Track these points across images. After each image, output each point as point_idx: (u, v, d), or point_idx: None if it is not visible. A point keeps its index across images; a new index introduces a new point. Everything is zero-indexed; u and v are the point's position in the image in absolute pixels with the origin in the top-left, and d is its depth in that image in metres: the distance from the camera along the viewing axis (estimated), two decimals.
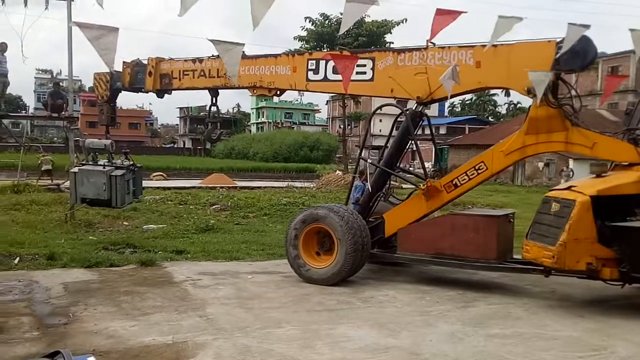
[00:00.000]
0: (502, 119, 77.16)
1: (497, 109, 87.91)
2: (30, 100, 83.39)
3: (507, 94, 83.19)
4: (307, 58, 8.91)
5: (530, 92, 7.39)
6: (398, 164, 9.31)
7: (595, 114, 33.42)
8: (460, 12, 6.96)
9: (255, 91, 9.68)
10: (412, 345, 5.39)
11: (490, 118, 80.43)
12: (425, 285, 7.91)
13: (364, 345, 5.37)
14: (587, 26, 6.63)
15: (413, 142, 8.82)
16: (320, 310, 6.59)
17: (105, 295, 6.99)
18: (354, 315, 6.38)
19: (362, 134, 72.51)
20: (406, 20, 35.13)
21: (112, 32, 5.65)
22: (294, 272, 8.08)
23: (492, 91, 69.71)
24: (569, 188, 7.31)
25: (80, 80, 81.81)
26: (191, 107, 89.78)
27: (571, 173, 28.05)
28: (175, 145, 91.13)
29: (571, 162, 31.98)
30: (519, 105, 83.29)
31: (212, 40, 6.51)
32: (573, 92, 7.69)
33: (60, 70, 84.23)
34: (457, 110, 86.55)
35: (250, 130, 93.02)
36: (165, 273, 8.37)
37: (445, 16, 6.89)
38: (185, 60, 9.81)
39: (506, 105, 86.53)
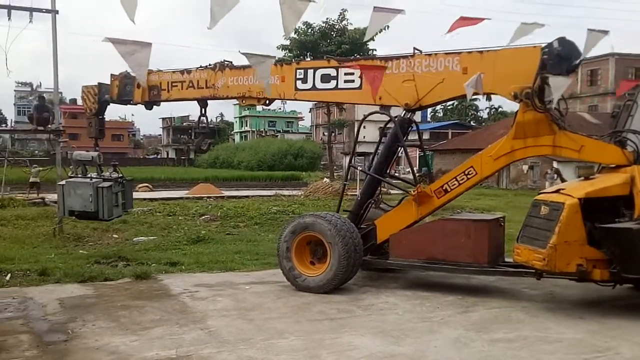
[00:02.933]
0: (484, 124, 77.94)
1: (478, 114, 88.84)
2: (9, 114, 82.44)
3: (489, 99, 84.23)
4: (296, 67, 8.96)
5: (516, 97, 7.53)
6: (388, 171, 9.41)
7: (576, 117, 33.98)
8: (482, 19, 7.12)
9: (244, 101, 9.71)
10: (417, 352, 5.43)
11: (472, 122, 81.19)
12: (424, 291, 7.96)
13: (370, 353, 5.40)
14: (606, 32, 6.80)
15: (402, 148, 8.92)
16: (322, 319, 6.61)
17: (103, 310, 6.94)
18: (356, 324, 6.40)
19: (351, 141, 72.61)
20: (388, 27, 35.23)
21: (145, 48, 5.70)
22: (291, 284, 8.10)
23: (474, 96, 70.29)
24: (558, 191, 7.44)
25: (61, 93, 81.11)
26: (174, 117, 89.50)
27: (555, 175, 28.44)
28: (159, 156, 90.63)
29: (555, 165, 32.43)
30: (500, 109, 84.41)
31: (244, 54, 6.60)
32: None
33: (40, 83, 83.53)
34: (439, 115, 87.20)
35: (233, 140, 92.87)
36: (162, 286, 8.32)
37: (466, 21, 7.04)
38: (174, 72, 9.80)
39: (487, 110, 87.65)
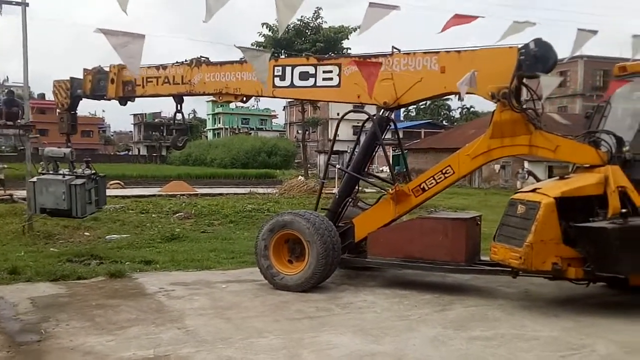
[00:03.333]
0: (455, 123, 78.88)
1: (451, 113, 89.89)
2: None
3: (460, 99, 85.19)
4: (274, 64, 8.89)
5: (494, 97, 7.59)
6: (365, 169, 9.43)
7: (547, 118, 34.46)
8: (476, 17, 7.14)
9: (220, 98, 9.62)
10: (397, 351, 5.44)
11: (444, 122, 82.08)
12: (401, 290, 7.98)
13: (350, 352, 5.39)
14: (594, 32, 6.88)
15: (381, 147, 8.94)
16: (301, 318, 6.57)
17: (77, 309, 6.78)
18: (335, 322, 6.39)
19: (325, 139, 72.56)
20: None
21: (138, 39, 5.55)
22: (269, 282, 8.05)
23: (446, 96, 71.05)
24: (534, 190, 7.53)
25: (29, 87, 79.17)
26: (145, 113, 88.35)
27: (526, 175, 28.90)
28: (130, 153, 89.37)
29: (526, 164, 32.96)
30: (472, 109, 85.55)
31: (240, 47, 6.50)
32: (535, 97, 7.93)
33: (7, 77, 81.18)
34: (412, 114, 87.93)
35: (206, 137, 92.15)
36: (137, 284, 8.18)
37: (461, 19, 7.04)
38: (149, 67, 9.65)
39: (459, 110, 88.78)
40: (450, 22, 7.18)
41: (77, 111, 10.66)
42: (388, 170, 17.70)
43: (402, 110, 78.79)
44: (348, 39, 35.38)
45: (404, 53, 8.22)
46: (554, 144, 7.55)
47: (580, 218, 6.95)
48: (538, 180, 8.47)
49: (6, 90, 20.77)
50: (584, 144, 7.62)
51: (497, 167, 35.74)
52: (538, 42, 7.39)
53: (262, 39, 35.16)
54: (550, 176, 19.44)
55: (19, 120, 13.57)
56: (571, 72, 49.09)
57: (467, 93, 8.29)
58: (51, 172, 9.71)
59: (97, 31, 5.72)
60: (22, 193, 14.71)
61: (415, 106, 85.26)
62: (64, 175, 9.53)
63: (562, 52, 7.50)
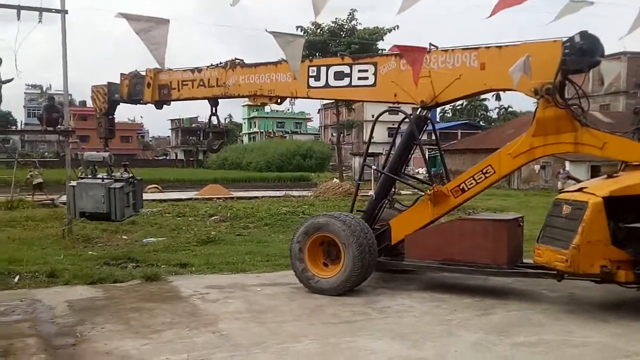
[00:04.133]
0: (493, 124, 77.60)
1: (488, 114, 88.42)
2: (20, 116, 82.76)
3: (498, 98, 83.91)
4: (308, 65, 8.81)
5: (537, 93, 7.30)
6: (403, 170, 9.23)
7: (588, 116, 33.51)
8: None
9: (255, 100, 9.60)
10: (438, 357, 5.23)
11: (481, 122, 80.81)
12: (440, 293, 7.75)
13: (388, 358, 5.20)
14: (590, 2, 6.50)
15: (418, 147, 8.73)
16: (337, 322, 6.41)
17: (112, 312, 6.78)
18: (372, 327, 6.20)
19: (360, 141, 72.27)
20: (398, 27, 35.22)
21: (162, 25, 5.39)
22: (304, 286, 7.92)
23: (483, 96, 69.99)
24: (580, 190, 7.21)
25: (70, 95, 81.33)
26: (183, 118, 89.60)
27: (567, 175, 28.04)
28: (168, 157, 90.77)
29: (567, 165, 32.07)
30: (510, 109, 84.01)
31: (272, 33, 6.32)
32: (581, 92, 7.61)
33: (50, 85, 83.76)
34: (448, 115, 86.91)
35: (242, 141, 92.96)
36: (172, 288, 8.16)
37: (510, 1, 6.70)
38: (184, 71, 9.74)
39: (497, 110, 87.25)
40: (499, 5, 6.79)
41: (114, 116, 10.78)
42: (425, 172, 17.47)
43: (438, 111, 78.10)
44: (383, 40, 35.10)
45: (442, 50, 8.01)
46: (602, 141, 7.22)
47: (630, 218, 6.64)
48: (578, 181, 8.13)
49: (47, 97, 21.27)
50: (633, 141, 7.27)
51: (537, 167, 34.87)
52: (584, 34, 7.09)
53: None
54: (593, 176, 18.83)
55: (59, 126, 13.84)
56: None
57: (509, 90, 8.02)
58: (90, 176, 9.80)
59: (118, 16, 5.55)
60: (63, 198, 14.95)
61: (451, 107, 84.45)
62: (102, 179, 9.62)
63: (610, 44, 7.14)
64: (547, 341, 5.71)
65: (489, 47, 7.72)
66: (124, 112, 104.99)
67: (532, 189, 34.92)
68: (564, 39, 7.18)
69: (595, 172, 28.69)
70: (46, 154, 64.11)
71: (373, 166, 10.21)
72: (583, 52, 7.07)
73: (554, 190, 29.79)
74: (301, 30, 35.05)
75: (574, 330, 6.08)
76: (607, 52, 7.47)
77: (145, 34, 5.23)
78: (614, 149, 7.24)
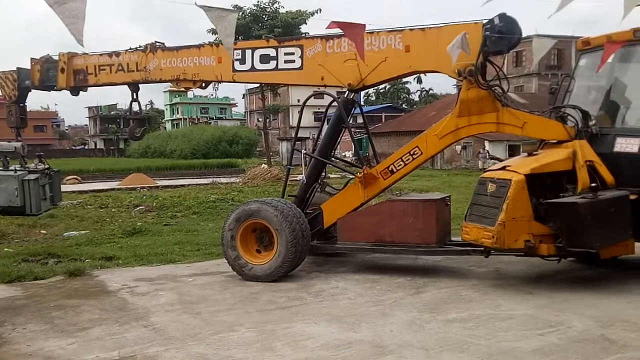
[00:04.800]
0: (415, 106, 79.52)
1: (410, 96, 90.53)
2: None
3: (419, 81, 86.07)
4: (233, 48, 8.59)
5: (460, 75, 7.46)
6: (332, 153, 9.26)
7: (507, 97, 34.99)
8: None
9: (178, 84, 9.29)
10: (375, 338, 5.27)
11: (404, 105, 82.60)
12: (373, 274, 7.83)
13: (325, 342, 5.19)
14: None
15: (347, 130, 8.76)
16: (272, 308, 6.34)
17: (34, 312, 6.39)
18: (308, 311, 6.18)
19: (286, 126, 71.98)
20: (320, 10, 35.19)
21: None
22: (237, 274, 7.80)
23: (405, 79, 71.39)
24: (503, 168, 7.47)
25: None
26: (101, 106, 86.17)
27: (487, 154, 29.24)
28: (86, 147, 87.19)
29: (487, 145, 33.38)
30: (431, 92, 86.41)
31: (202, 7, 5.99)
32: (500, 74, 7.85)
33: None
34: (372, 99, 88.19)
35: (165, 128, 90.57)
36: (98, 282, 7.80)
37: None
38: (101, 55, 9.26)
39: (419, 93, 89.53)
40: None
41: (26, 104, 10.12)
42: (352, 155, 17.58)
43: (363, 95, 79.17)
44: (306, 23, 34.99)
45: (368, 32, 7.98)
46: (522, 120, 7.49)
47: (550, 194, 6.93)
48: (499, 160, 8.43)
49: None
50: (551, 120, 7.59)
51: (458, 148, 36.11)
52: (503, 17, 7.28)
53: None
54: (511, 155, 19.67)
55: None
56: (526, 51, 49.80)
57: (431, 72, 8.16)
58: (1, 168, 9.20)
59: None
60: None
61: (374, 90, 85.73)
62: (15, 170, 9.05)
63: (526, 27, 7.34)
64: (478, 316, 5.88)
65: (413, 29, 7.81)
66: (37, 100, 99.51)
67: (454, 169, 36.14)
68: (485, 21, 7.36)
69: (512, 151, 30.06)
70: None
71: (303, 150, 10.18)
72: (502, 34, 7.27)
73: (475, 170, 30.98)
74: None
75: (502, 304, 6.30)
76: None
77: (60, 6, 4.77)
78: (533, 128, 7.53)
